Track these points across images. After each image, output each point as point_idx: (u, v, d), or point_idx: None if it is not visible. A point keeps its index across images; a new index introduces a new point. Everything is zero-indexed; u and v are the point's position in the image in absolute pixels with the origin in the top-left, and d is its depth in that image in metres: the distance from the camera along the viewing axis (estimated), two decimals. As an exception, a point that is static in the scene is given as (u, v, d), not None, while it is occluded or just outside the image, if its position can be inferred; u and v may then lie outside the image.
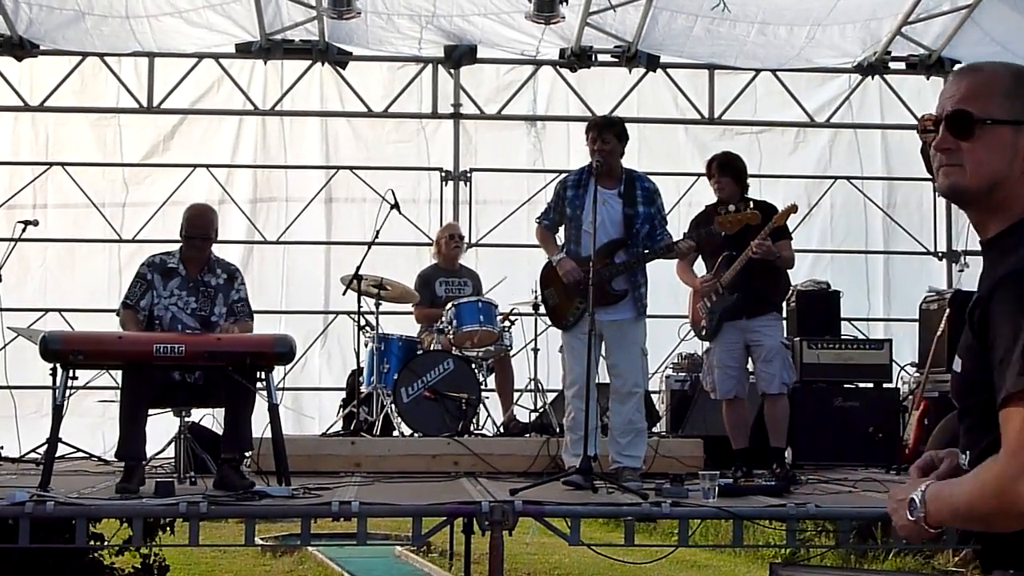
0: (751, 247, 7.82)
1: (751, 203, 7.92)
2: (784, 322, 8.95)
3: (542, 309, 9.60)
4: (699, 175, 10.95)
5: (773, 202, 8.24)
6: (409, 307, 10.34)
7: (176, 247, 7.61)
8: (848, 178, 12.63)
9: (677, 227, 9.50)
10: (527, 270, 10.92)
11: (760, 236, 7.83)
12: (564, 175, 7.95)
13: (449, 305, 9.63)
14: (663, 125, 12.56)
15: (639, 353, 7.60)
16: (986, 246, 2.54)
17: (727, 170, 8.14)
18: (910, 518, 2.48)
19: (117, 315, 7.58)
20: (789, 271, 8.31)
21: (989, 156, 2.49)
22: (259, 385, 7.06)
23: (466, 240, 11.04)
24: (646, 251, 7.55)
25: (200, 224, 7.54)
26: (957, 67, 2.64)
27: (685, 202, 11.81)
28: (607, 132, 7.54)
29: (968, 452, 2.51)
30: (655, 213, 7.63)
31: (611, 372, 7.64)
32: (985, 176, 2.49)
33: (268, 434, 7.10)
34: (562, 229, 7.77)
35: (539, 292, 8.03)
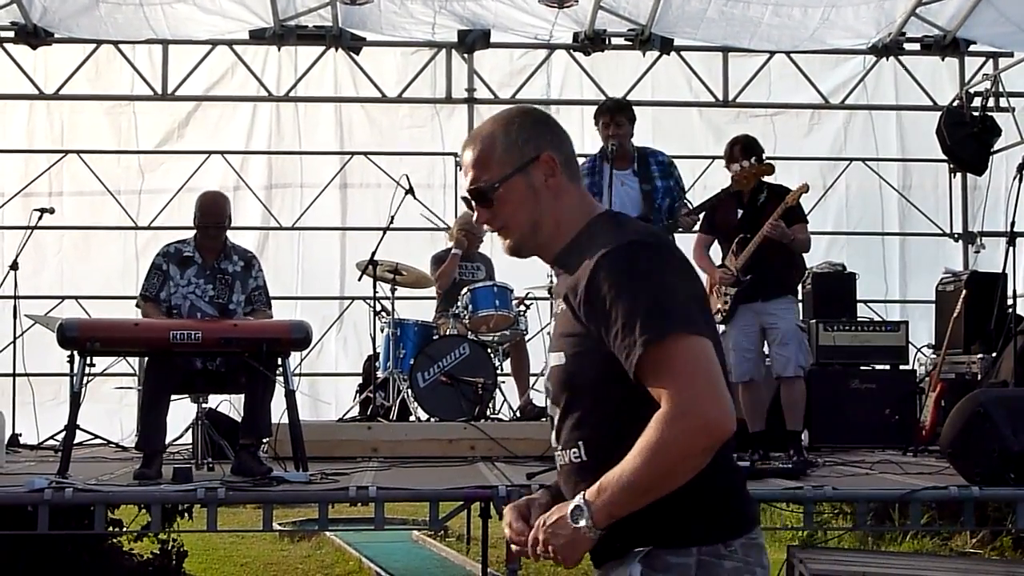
0: (765, 227, 7.80)
1: (766, 167, 7.94)
2: (800, 305, 8.92)
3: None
4: (714, 158, 10.95)
5: (788, 185, 8.21)
6: (425, 292, 10.36)
7: (191, 235, 7.61)
8: (863, 160, 12.60)
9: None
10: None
11: (774, 216, 7.81)
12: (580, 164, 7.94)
13: (464, 290, 9.63)
14: (677, 108, 12.54)
15: None
16: (555, 263, 2.75)
17: (750, 153, 8.10)
18: (575, 525, 2.49)
19: (137, 307, 7.57)
20: (805, 254, 8.28)
21: (517, 209, 2.73)
22: (276, 371, 7.07)
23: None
24: (670, 222, 7.58)
25: (213, 212, 7.52)
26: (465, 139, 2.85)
27: (700, 184, 11.78)
28: (620, 115, 7.55)
29: (581, 444, 2.62)
30: (673, 185, 7.69)
31: None
32: (524, 225, 2.74)
33: (285, 420, 7.12)
34: None
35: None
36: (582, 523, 2.48)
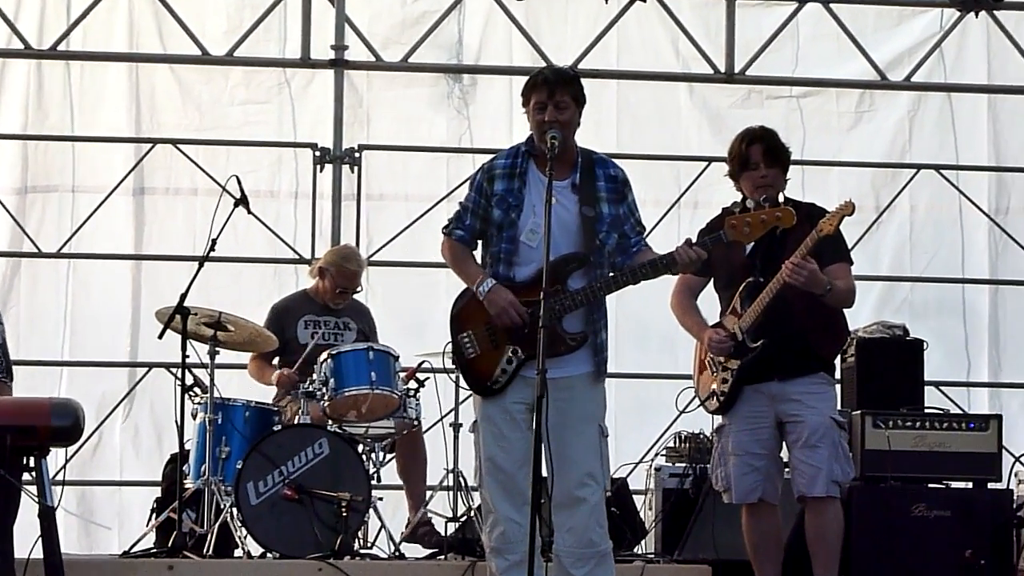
0: (785, 269, 7.75)
1: (781, 201, 7.89)
2: (837, 387, 8.98)
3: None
4: (712, 160, 11.00)
5: (820, 203, 8.21)
6: (262, 357, 10.36)
7: None
8: (936, 167, 12.70)
9: (674, 241, 9.54)
10: (445, 301, 10.90)
11: (799, 252, 7.77)
12: (488, 161, 7.77)
13: (324, 356, 9.60)
14: (656, 83, 12.63)
15: (596, 432, 7.41)
16: None
17: (777, 155, 8.07)
18: None
19: None
20: (846, 310, 8.30)
21: None
22: (25, 478, 7.01)
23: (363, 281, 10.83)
24: (613, 274, 7.47)
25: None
26: None
27: (688, 201, 11.86)
28: (563, 92, 7.41)
29: None
30: (625, 215, 7.46)
31: (553, 461, 7.54)
32: None
33: (39, 553, 7.05)
34: (481, 244, 7.66)
35: (451, 334, 7.78)
36: None
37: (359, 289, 10.50)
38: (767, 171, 8.01)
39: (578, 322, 7.36)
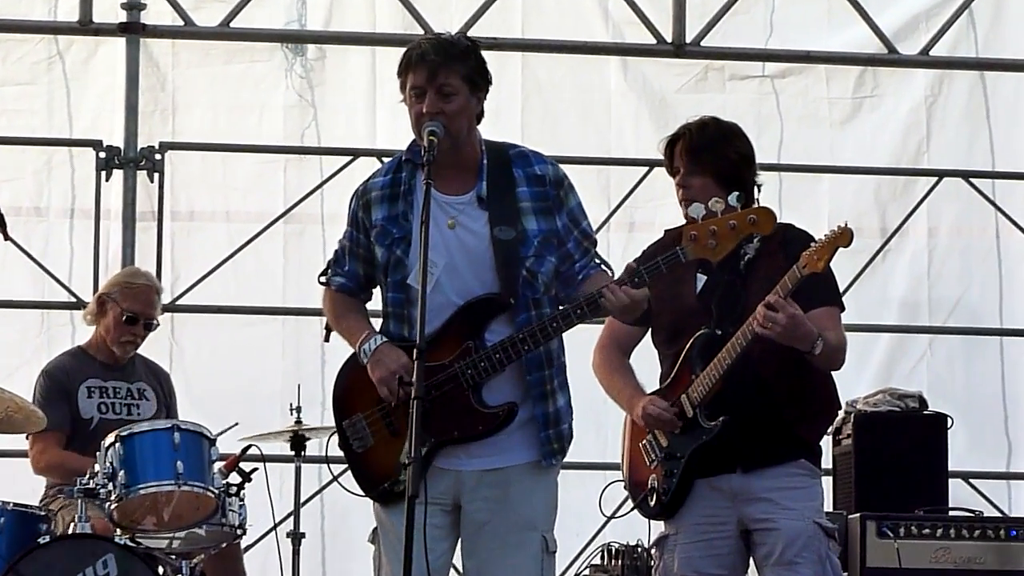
0: (756, 314, 7.73)
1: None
2: (825, 481, 9.07)
3: (326, 445, 9.49)
4: (654, 164, 11.13)
5: (803, 225, 8.28)
6: (23, 441, 10.32)
7: None
8: (966, 174, 12.82)
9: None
10: (281, 362, 10.99)
11: (776, 291, 7.78)
12: (363, 183, 7.69)
13: (111, 437, 9.59)
14: (576, 57, 12.72)
15: (537, 547, 7.40)
16: None
17: (704, 159, 8.10)
18: None
19: None
20: (833, 372, 8.34)
21: None
22: None
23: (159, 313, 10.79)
24: (541, 321, 7.36)
25: None
26: None
27: (622, 222, 11.95)
28: (447, 71, 7.38)
29: None
30: (565, 229, 7.38)
31: None
32: None
33: None
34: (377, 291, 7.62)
35: (335, 420, 7.73)
36: None
37: (155, 322, 10.43)
38: (688, 180, 8.01)
39: (506, 389, 7.30)
